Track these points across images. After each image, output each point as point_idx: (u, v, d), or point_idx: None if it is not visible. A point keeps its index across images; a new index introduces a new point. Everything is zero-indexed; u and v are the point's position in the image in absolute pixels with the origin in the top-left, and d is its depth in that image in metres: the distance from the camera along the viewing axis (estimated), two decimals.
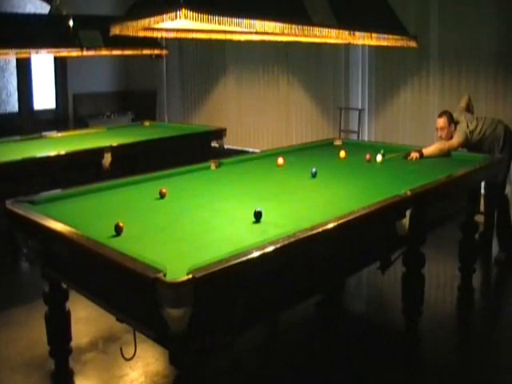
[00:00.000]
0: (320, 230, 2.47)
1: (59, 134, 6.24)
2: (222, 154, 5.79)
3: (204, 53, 8.97)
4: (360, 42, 3.47)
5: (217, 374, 2.84)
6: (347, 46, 6.86)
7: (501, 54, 5.78)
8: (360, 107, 7.07)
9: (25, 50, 5.29)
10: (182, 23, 2.86)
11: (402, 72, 6.66)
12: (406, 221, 2.99)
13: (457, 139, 4.47)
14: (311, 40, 3.89)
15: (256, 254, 2.16)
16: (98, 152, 5.11)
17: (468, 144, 4.59)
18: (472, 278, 4.19)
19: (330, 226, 2.52)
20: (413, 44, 3.54)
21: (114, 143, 5.30)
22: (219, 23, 2.40)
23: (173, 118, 9.54)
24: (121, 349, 2.58)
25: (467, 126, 4.55)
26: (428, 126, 6.25)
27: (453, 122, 4.56)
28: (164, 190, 3.25)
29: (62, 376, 3.17)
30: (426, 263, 3.40)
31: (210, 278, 1.97)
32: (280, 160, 4.13)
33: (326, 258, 2.61)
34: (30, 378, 3.12)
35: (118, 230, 2.55)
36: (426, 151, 4.34)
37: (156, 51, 6.09)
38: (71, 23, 5.28)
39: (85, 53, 5.35)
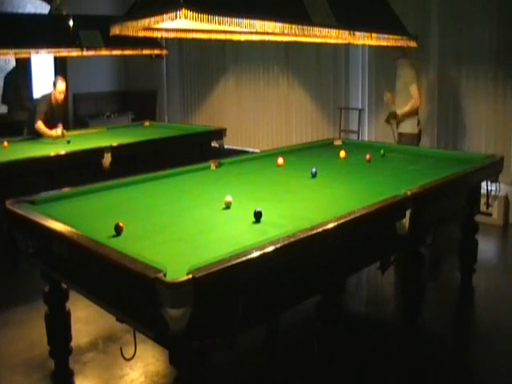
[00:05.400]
0: (320, 229, 2.47)
1: None
2: (222, 153, 5.79)
3: (204, 53, 8.97)
4: (360, 41, 3.47)
5: (217, 373, 2.83)
6: (347, 46, 6.86)
7: (501, 54, 5.78)
8: (360, 107, 7.07)
9: (25, 50, 5.30)
10: (181, 23, 2.86)
11: None
12: (405, 221, 2.99)
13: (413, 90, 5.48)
14: (311, 40, 3.89)
15: (256, 253, 2.15)
16: (98, 152, 5.12)
17: None
18: (472, 278, 4.19)
19: (330, 225, 2.52)
20: (413, 44, 3.55)
21: (114, 143, 5.30)
22: (219, 23, 2.40)
23: (173, 118, 9.55)
24: (121, 349, 2.57)
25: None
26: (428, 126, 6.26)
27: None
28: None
29: (62, 376, 3.17)
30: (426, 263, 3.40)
31: (210, 277, 1.96)
32: (280, 160, 4.13)
33: (326, 258, 2.61)
34: (30, 378, 3.11)
35: (118, 230, 2.54)
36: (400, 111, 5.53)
37: (156, 51, 6.10)
38: (71, 23, 5.29)
39: (85, 53, 5.36)
